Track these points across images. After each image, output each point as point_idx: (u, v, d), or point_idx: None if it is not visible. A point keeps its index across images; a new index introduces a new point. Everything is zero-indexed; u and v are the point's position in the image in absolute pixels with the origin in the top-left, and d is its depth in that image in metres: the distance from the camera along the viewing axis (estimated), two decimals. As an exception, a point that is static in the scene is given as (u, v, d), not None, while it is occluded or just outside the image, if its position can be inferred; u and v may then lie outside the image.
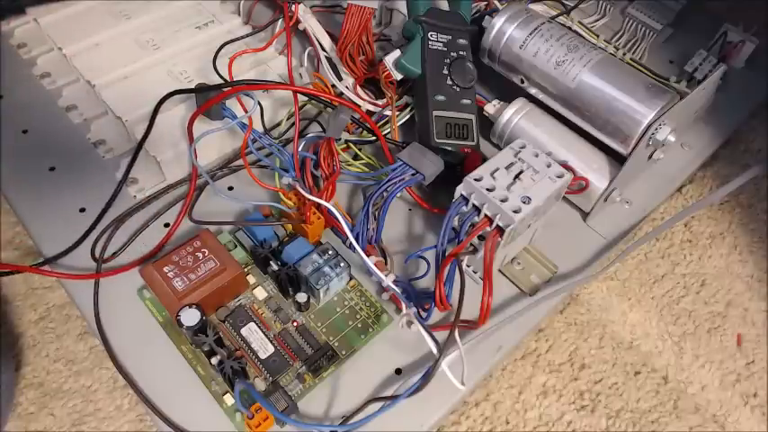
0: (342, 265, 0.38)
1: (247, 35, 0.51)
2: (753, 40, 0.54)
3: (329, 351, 0.36)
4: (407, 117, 0.47)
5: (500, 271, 0.41)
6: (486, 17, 0.48)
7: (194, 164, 0.39)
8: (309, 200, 0.38)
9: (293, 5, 0.48)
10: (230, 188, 0.45)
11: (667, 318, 0.44)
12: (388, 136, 0.45)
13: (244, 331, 0.36)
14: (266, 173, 0.45)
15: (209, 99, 0.40)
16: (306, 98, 0.46)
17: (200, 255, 0.37)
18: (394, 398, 0.33)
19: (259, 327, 0.37)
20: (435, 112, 0.43)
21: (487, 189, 0.35)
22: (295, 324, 0.38)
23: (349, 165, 0.43)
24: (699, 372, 0.42)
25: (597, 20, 0.59)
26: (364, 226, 0.39)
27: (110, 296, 0.38)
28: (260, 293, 0.39)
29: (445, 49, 0.45)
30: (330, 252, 0.39)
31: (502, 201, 0.35)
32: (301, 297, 0.37)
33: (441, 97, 0.44)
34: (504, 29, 0.47)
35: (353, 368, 0.37)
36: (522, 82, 0.47)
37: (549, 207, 0.39)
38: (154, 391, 0.35)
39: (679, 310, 0.45)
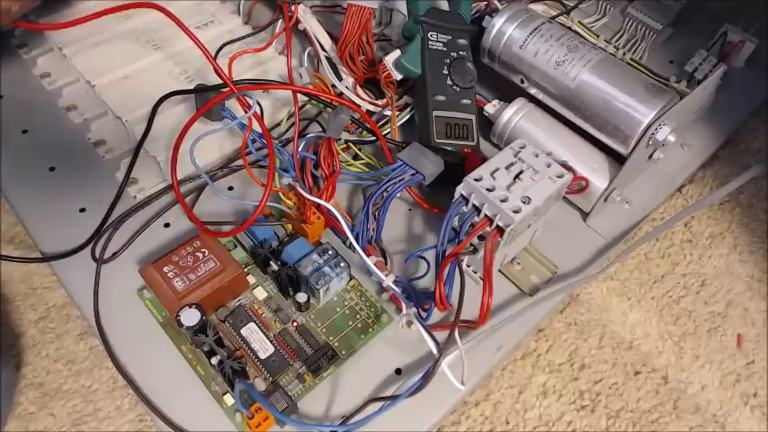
0: (342, 265, 0.38)
1: (247, 35, 0.51)
2: (753, 40, 0.54)
3: (329, 351, 0.36)
4: (407, 117, 0.47)
5: (500, 271, 0.41)
6: (486, 17, 0.48)
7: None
8: (309, 200, 0.38)
9: (293, 5, 0.48)
10: (230, 188, 0.45)
11: (667, 318, 0.44)
12: (388, 136, 0.45)
13: (244, 331, 0.36)
14: (266, 173, 0.45)
15: (208, 100, 0.40)
16: (306, 98, 0.46)
17: (200, 255, 0.37)
18: (394, 398, 0.33)
19: (259, 327, 0.37)
20: (435, 112, 0.43)
21: (487, 189, 0.35)
22: (295, 324, 0.38)
23: (349, 165, 0.43)
24: (699, 372, 0.42)
25: (597, 20, 0.59)
26: (364, 226, 0.39)
27: (110, 296, 0.38)
28: (260, 293, 0.39)
29: (445, 49, 0.45)
30: (330, 252, 0.39)
31: (502, 201, 0.35)
32: (301, 297, 0.37)
33: (441, 97, 0.44)
34: (504, 29, 0.47)
35: (353, 368, 0.37)
36: (522, 82, 0.47)
37: (549, 207, 0.39)
38: (154, 391, 0.35)
39: (679, 310, 0.45)
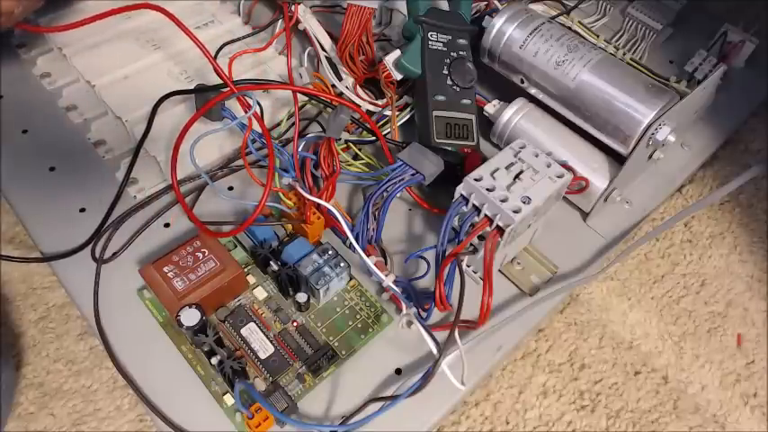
0: (342, 265, 0.38)
1: (247, 35, 0.51)
2: (753, 40, 0.54)
3: (329, 351, 0.36)
4: (407, 117, 0.47)
5: (500, 271, 0.41)
6: (486, 17, 0.48)
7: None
8: (309, 200, 0.38)
9: (293, 5, 0.48)
10: (230, 188, 0.45)
11: (667, 318, 0.44)
12: (388, 136, 0.45)
13: (244, 331, 0.36)
14: (266, 173, 0.45)
15: (208, 100, 0.40)
16: (306, 98, 0.46)
17: (200, 255, 0.37)
18: (394, 398, 0.33)
19: (259, 327, 0.37)
20: (435, 112, 0.43)
21: (487, 189, 0.35)
22: (295, 324, 0.38)
23: (349, 165, 0.43)
24: (699, 372, 0.42)
25: (597, 20, 0.59)
26: (364, 226, 0.39)
27: (110, 296, 0.38)
28: (260, 293, 0.39)
29: (445, 49, 0.45)
30: (330, 252, 0.39)
31: (502, 201, 0.35)
32: (301, 297, 0.37)
33: (441, 97, 0.44)
34: (504, 29, 0.47)
35: (353, 368, 0.37)
36: (522, 82, 0.47)
37: (549, 207, 0.39)
38: (154, 391, 0.35)
39: (679, 310, 0.45)
